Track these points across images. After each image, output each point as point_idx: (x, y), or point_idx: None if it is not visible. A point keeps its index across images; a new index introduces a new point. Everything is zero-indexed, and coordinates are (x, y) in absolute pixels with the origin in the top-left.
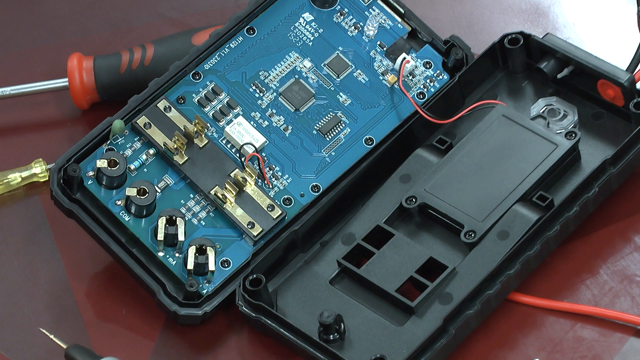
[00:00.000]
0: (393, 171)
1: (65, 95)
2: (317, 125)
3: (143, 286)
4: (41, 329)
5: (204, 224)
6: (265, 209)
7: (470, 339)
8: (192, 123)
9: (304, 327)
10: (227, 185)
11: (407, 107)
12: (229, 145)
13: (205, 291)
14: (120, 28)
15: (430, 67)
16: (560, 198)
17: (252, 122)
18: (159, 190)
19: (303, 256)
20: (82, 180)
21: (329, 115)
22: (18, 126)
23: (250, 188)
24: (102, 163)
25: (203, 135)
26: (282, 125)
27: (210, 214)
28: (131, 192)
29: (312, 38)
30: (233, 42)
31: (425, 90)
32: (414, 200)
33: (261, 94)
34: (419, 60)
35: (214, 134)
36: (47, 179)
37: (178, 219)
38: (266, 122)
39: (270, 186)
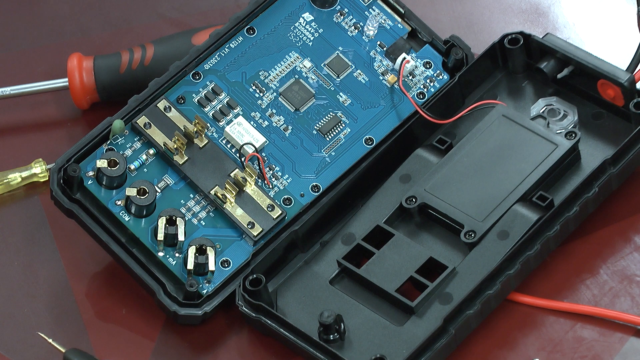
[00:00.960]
0: (393, 171)
1: (65, 95)
2: (317, 125)
3: (143, 286)
4: (40, 334)
5: (204, 224)
6: (265, 209)
7: (470, 339)
8: (192, 123)
9: (304, 327)
10: (227, 185)
11: (407, 107)
12: (229, 145)
13: (205, 291)
14: (120, 28)
15: (430, 67)
16: (560, 198)
17: (252, 122)
18: (159, 190)
19: (303, 256)
20: (82, 180)
21: (329, 115)
22: (18, 126)
23: (250, 188)
24: (102, 163)
25: (203, 135)
26: (282, 125)
27: (210, 214)
28: (131, 192)
29: (312, 38)
30: (233, 42)
31: (425, 90)
32: (414, 200)
33: (261, 94)
34: (419, 60)
35: (214, 134)
36: (47, 179)
37: (178, 219)
38: (266, 122)
39: (270, 186)
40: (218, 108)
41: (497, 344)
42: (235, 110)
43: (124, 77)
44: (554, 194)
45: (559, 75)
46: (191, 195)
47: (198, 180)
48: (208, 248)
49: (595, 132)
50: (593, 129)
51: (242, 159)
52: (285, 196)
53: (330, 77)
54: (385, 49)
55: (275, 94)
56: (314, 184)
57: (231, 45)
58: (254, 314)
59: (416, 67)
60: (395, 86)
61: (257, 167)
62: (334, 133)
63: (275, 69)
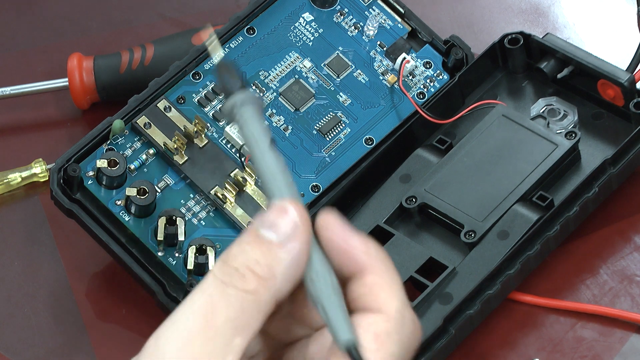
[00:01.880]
0: (393, 171)
1: (65, 95)
2: (317, 125)
3: (143, 286)
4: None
5: (204, 224)
6: (265, 209)
7: (470, 339)
8: (192, 123)
9: None
10: (227, 185)
11: (407, 107)
12: (229, 145)
13: None
14: (120, 28)
15: (430, 67)
16: (560, 198)
17: None
18: (159, 190)
19: None
20: (82, 180)
21: (329, 115)
22: (18, 126)
23: (250, 188)
24: (102, 163)
25: (203, 135)
26: (282, 125)
27: (210, 214)
28: (131, 192)
29: (312, 38)
30: (233, 42)
31: (425, 90)
32: (414, 200)
33: (261, 94)
34: (419, 60)
35: (214, 134)
36: (47, 179)
37: (178, 219)
38: (266, 122)
39: None
40: (218, 108)
41: (497, 344)
42: None
43: (124, 77)
44: (554, 194)
45: (559, 75)
46: (191, 195)
47: (198, 180)
48: (208, 248)
49: (595, 132)
50: (593, 129)
51: (242, 159)
52: None
53: (330, 77)
54: (385, 49)
55: (275, 94)
56: (314, 184)
57: (231, 45)
58: None
59: (416, 67)
60: (395, 86)
61: None
62: (334, 133)
63: (275, 69)
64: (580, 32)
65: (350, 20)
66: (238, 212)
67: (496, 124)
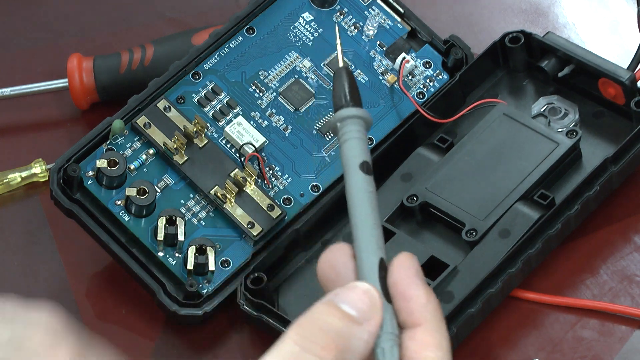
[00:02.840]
0: (394, 170)
1: (65, 96)
2: (317, 125)
3: (143, 286)
4: None
5: (204, 224)
6: (265, 208)
7: (470, 338)
8: (192, 123)
9: None
10: (227, 185)
11: (406, 106)
12: (228, 145)
13: (205, 291)
14: (120, 28)
15: (430, 67)
16: (562, 197)
17: (251, 122)
18: (159, 190)
19: (305, 255)
20: (82, 180)
21: (329, 115)
22: (18, 126)
23: (250, 188)
24: (101, 163)
25: (203, 135)
26: (281, 125)
27: (210, 214)
28: (131, 192)
29: (311, 38)
30: (233, 42)
31: (425, 90)
32: (415, 198)
33: (261, 94)
34: (418, 60)
35: (214, 133)
36: (47, 179)
37: (178, 219)
38: (266, 122)
39: (270, 186)
40: (218, 108)
41: (497, 344)
42: (235, 110)
43: (123, 77)
44: (555, 192)
45: (559, 74)
46: (191, 195)
47: (198, 180)
48: (208, 248)
49: (596, 131)
50: (594, 128)
51: (242, 159)
52: (285, 196)
53: (330, 77)
54: (384, 48)
55: (275, 93)
56: (314, 183)
57: (231, 45)
58: (255, 313)
59: (416, 66)
60: (395, 86)
61: (257, 167)
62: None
63: (275, 69)
64: (581, 31)
65: (350, 20)
66: (238, 212)
67: (497, 123)
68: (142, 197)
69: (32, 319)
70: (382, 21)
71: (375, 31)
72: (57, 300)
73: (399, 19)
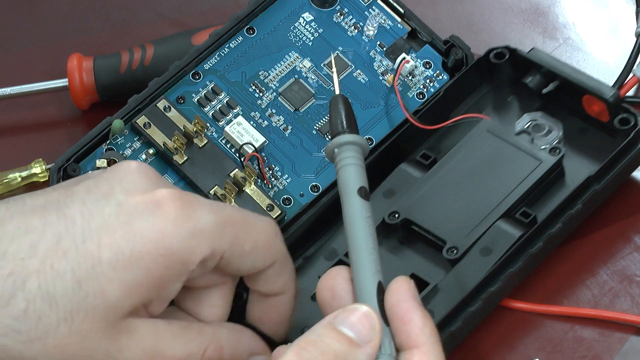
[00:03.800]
0: (377, 186)
1: (65, 95)
2: (317, 125)
3: None
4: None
5: None
6: (265, 208)
7: (470, 339)
8: (192, 123)
9: (285, 343)
10: (226, 185)
11: (406, 106)
12: (228, 145)
13: None
14: (120, 28)
15: (430, 67)
16: (544, 215)
17: (251, 122)
18: None
19: None
20: None
21: (328, 115)
22: (18, 126)
23: (250, 188)
24: (101, 163)
25: (203, 135)
26: (281, 125)
27: None
28: None
29: (311, 38)
30: (233, 42)
31: (425, 90)
32: (397, 215)
33: (261, 94)
34: (418, 60)
35: (214, 133)
36: (47, 179)
37: None
38: (266, 122)
39: (270, 186)
40: (218, 108)
41: (498, 344)
42: (235, 110)
43: (123, 78)
44: (538, 210)
45: (544, 90)
46: None
47: (198, 180)
48: None
49: (581, 148)
50: (578, 145)
51: (242, 159)
52: (285, 196)
53: (330, 77)
54: (385, 49)
55: (275, 93)
56: (314, 183)
57: (231, 45)
58: None
59: (416, 67)
60: (395, 85)
61: (257, 167)
62: None
63: (275, 69)
64: (581, 31)
65: (350, 20)
66: None
67: (480, 140)
68: None
69: (125, 180)
70: (383, 21)
71: (376, 31)
72: None
73: (399, 19)
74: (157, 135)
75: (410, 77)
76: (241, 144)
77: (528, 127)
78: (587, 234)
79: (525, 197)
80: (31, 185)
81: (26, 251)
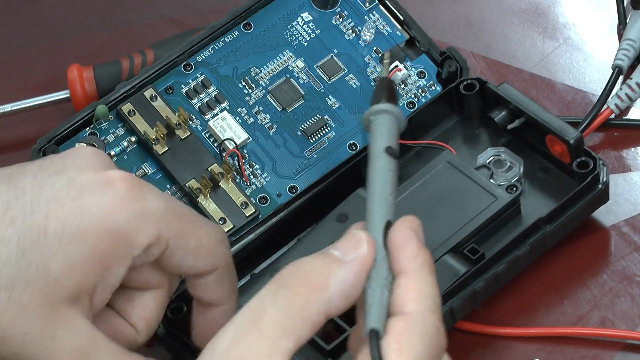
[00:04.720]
0: (331, 210)
1: (68, 107)
2: (303, 126)
3: None
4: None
5: None
6: (239, 206)
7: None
8: (175, 114)
9: None
10: (203, 179)
11: None
12: (212, 140)
13: None
14: (121, 28)
15: (423, 77)
16: (493, 252)
17: (237, 118)
18: None
19: None
20: None
21: (315, 117)
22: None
23: (227, 184)
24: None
25: (186, 127)
26: (267, 123)
27: None
28: None
29: (308, 38)
30: (228, 36)
31: (416, 100)
32: None
33: (250, 91)
34: (412, 69)
35: (199, 126)
36: None
37: None
38: (252, 119)
39: (248, 183)
40: (205, 101)
41: (497, 344)
42: (222, 105)
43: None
44: (489, 247)
45: (509, 126)
46: (168, 186)
47: (175, 171)
48: None
49: (541, 187)
50: (539, 184)
51: (222, 154)
52: (262, 195)
53: (321, 79)
54: (380, 55)
55: (264, 91)
56: (292, 184)
57: (226, 39)
58: (171, 343)
59: (409, 75)
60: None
61: (237, 164)
62: (319, 135)
63: (268, 67)
64: (581, 31)
65: (349, 24)
66: (211, 207)
67: (440, 171)
68: None
69: (78, 159)
70: (381, 27)
71: (373, 37)
72: None
73: (398, 26)
74: (140, 124)
75: (402, 86)
76: (223, 139)
77: (490, 162)
78: (586, 234)
79: (476, 232)
80: None
81: None
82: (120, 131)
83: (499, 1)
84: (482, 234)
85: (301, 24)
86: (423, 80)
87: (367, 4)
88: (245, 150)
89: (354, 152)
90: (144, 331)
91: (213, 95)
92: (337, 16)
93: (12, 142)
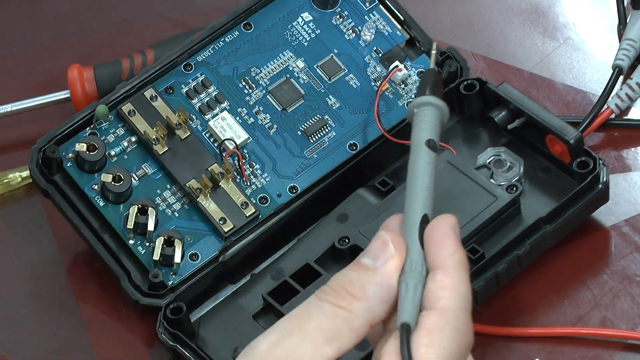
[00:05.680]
0: (332, 209)
1: (68, 107)
2: (303, 126)
3: (110, 273)
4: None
5: (177, 215)
6: (239, 205)
7: None
8: (175, 114)
9: None
10: (203, 179)
11: (395, 115)
12: (212, 140)
13: (170, 282)
14: (121, 28)
15: None
16: (493, 252)
17: (237, 118)
18: (136, 178)
19: (233, 287)
20: (63, 161)
21: (315, 117)
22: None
23: (227, 184)
24: (81, 147)
25: (186, 127)
26: (267, 123)
27: (185, 206)
28: (107, 178)
29: (308, 38)
30: (229, 36)
31: None
32: (346, 241)
33: (250, 91)
34: (413, 69)
35: (199, 126)
36: None
37: (150, 208)
38: (252, 119)
39: (248, 183)
40: (205, 101)
41: (497, 344)
42: (222, 105)
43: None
44: (489, 247)
45: (509, 126)
46: (168, 186)
47: (175, 171)
48: (176, 240)
49: (541, 187)
50: (539, 183)
51: (223, 154)
52: (262, 195)
53: (321, 79)
54: (380, 55)
55: (264, 91)
56: (292, 184)
57: (226, 39)
58: (171, 343)
59: (409, 75)
60: (386, 93)
61: (237, 164)
62: (319, 135)
63: (268, 67)
64: (581, 32)
65: (349, 24)
66: (211, 207)
67: (440, 171)
68: (117, 184)
69: None
70: (382, 27)
71: (373, 37)
72: (57, 300)
73: (398, 26)
74: (141, 124)
75: (402, 86)
76: (223, 139)
77: (490, 161)
78: (587, 234)
79: (476, 232)
80: (31, 185)
81: None
82: (121, 131)
83: (499, 1)
84: (482, 233)
85: (301, 24)
86: None
87: (367, 4)
88: (245, 150)
89: (354, 152)
90: None
91: (213, 95)
92: (337, 16)
93: (12, 142)
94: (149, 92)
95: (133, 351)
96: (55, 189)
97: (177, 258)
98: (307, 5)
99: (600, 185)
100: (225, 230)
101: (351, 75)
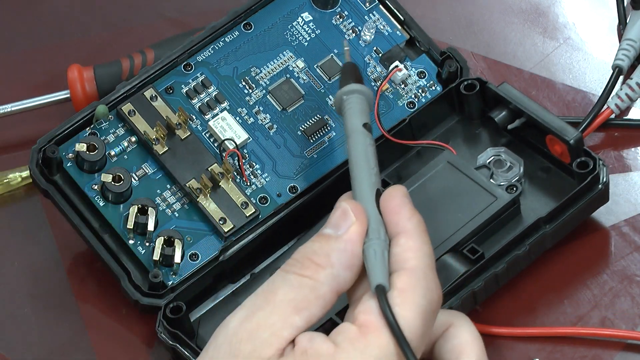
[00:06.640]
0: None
1: (68, 107)
2: (303, 126)
3: (110, 273)
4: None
5: (177, 215)
6: (239, 205)
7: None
8: (175, 114)
9: None
10: (203, 179)
11: (395, 115)
12: (212, 140)
13: (170, 282)
14: (120, 28)
15: (424, 77)
16: (492, 252)
17: (237, 118)
18: (136, 178)
19: (233, 287)
20: (63, 161)
21: (315, 117)
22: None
23: (227, 184)
24: (81, 147)
25: (186, 127)
26: (267, 123)
27: (185, 206)
28: (106, 178)
29: (308, 38)
30: (229, 36)
31: (416, 100)
32: None
33: (250, 91)
34: (413, 69)
35: (199, 126)
36: None
37: (150, 208)
38: (252, 119)
39: (248, 183)
40: (205, 101)
41: (497, 343)
42: (222, 105)
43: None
44: (488, 247)
45: (509, 126)
46: (168, 186)
47: (175, 171)
48: (176, 240)
49: (541, 187)
50: (539, 183)
51: (222, 154)
52: (262, 195)
53: (321, 79)
54: (380, 55)
55: (264, 91)
56: (292, 184)
57: (226, 39)
58: (170, 342)
59: (409, 76)
60: (386, 93)
61: (237, 164)
62: (319, 135)
63: (268, 67)
64: (581, 32)
65: (349, 24)
66: (211, 207)
67: (440, 171)
68: (116, 184)
69: None
70: (382, 27)
71: (373, 37)
72: (57, 300)
73: (398, 26)
74: (141, 124)
75: (402, 86)
76: (223, 139)
77: (490, 162)
78: (587, 234)
79: (476, 232)
80: (31, 185)
81: None
82: (121, 131)
83: (499, 1)
84: (482, 233)
85: (301, 24)
86: (423, 80)
87: (367, 4)
88: (245, 150)
89: None
90: None
91: (213, 95)
92: (337, 16)
93: (12, 142)
94: (149, 92)
95: (133, 351)
96: (55, 189)
97: (177, 258)
98: (307, 5)
99: (600, 186)
100: (225, 230)
101: None
